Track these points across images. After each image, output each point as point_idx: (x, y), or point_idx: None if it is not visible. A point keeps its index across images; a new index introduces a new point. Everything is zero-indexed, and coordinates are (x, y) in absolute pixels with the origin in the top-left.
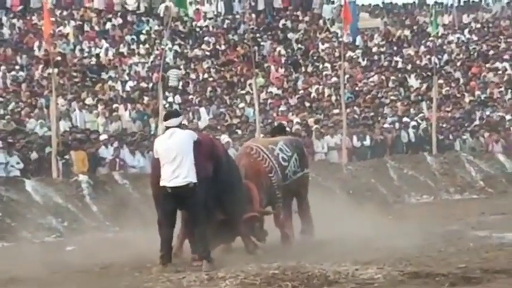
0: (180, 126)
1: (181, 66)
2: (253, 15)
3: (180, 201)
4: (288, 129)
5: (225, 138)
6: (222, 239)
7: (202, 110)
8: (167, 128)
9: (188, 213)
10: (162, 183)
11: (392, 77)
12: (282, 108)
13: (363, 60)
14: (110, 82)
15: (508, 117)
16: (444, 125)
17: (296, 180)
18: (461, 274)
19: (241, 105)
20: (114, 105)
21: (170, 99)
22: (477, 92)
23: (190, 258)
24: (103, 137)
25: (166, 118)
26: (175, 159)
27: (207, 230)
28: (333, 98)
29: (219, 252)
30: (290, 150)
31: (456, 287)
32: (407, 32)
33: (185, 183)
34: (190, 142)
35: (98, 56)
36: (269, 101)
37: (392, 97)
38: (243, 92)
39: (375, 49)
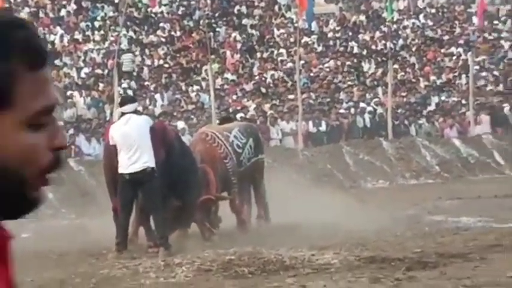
0: (135, 111)
1: (137, 52)
2: (209, 1)
3: (138, 187)
4: (243, 115)
5: (180, 124)
6: (178, 224)
7: (158, 96)
8: (123, 114)
9: (145, 199)
10: (120, 171)
11: (347, 63)
12: (238, 94)
13: (319, 45)
14: (65, 69)
15: (463, 101)
16: (400, 110)
17: (251, 166)
18: (417, 258)
19: (197, 90)
20: (69, 92)
21: (125, 85)
22: (432, 77)
23: (146, 245)
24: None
25: (121, 104)
26: (133, 145)
27: (163, 216)
28: (289, 83)
29: (175, 239)
30: (244, 137)
31: (412, 271)
32: (362, 18)
33: (143, 167)
34: (147, 127)
35: (52, 42)
36: (225, 87)
37: (348, 82)
38: (199, 78)
39: (330, 34)
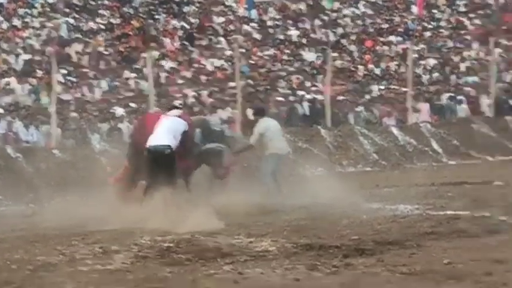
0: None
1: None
2: None
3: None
4: (181, 102)
5: (119, 111)
6: None
7: (97, 83)
8: None
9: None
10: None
11: (287, 51)
12: (177, 81)
13: (258, 33)
14: (3, 55)
15: (402, 90)
16: (338, 98)
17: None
18: (354, 246)
19: (135, 77)
20: (7, 79)
21: (64, 71)
22: (370, 66)
23: None
24: None
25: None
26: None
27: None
28: (228, 71)
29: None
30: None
31: (349, 258)
32: (302, 6)
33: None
34: (181, 123)
35: None
36: (164, 74)
37: (289, 69)
38: (138, 66)
39: (270, 22)
